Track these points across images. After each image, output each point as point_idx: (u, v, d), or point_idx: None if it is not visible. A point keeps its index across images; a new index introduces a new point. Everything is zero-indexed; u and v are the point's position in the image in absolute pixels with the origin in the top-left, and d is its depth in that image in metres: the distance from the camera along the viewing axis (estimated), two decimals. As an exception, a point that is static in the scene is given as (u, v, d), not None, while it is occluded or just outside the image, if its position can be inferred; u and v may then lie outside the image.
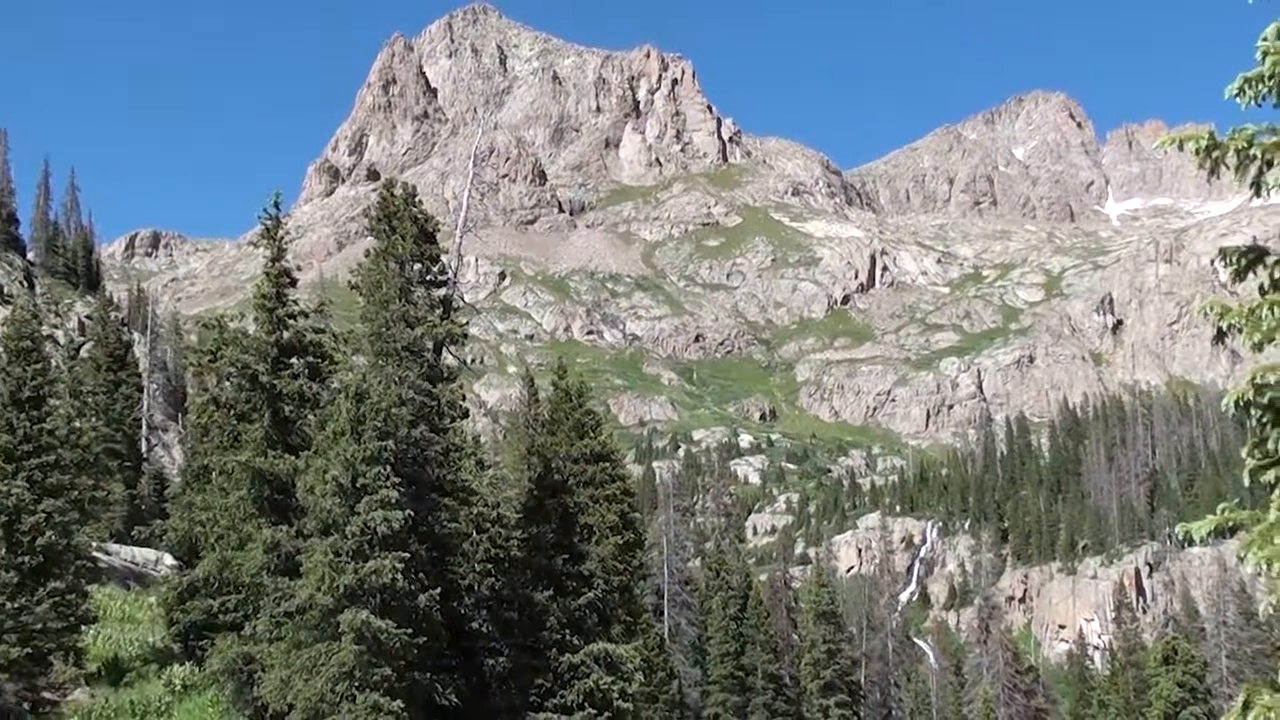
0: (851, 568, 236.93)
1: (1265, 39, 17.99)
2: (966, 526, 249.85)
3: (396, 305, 44.69)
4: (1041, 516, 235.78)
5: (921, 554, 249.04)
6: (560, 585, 50.36)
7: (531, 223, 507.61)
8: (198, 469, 52.12)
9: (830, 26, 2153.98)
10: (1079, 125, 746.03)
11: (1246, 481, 17.96)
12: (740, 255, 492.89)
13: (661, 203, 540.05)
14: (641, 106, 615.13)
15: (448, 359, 47.94)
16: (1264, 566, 16.13)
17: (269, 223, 48.87)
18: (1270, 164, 17.71)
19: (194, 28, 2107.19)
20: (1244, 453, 17.96)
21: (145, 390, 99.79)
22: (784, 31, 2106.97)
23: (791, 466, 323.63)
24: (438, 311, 47.08)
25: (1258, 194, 18.06)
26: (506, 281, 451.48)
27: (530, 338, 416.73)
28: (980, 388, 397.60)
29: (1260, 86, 17.77)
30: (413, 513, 39.72)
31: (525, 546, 50.34)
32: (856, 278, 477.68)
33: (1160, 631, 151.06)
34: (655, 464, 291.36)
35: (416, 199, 48.05)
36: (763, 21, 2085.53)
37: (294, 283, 50.21)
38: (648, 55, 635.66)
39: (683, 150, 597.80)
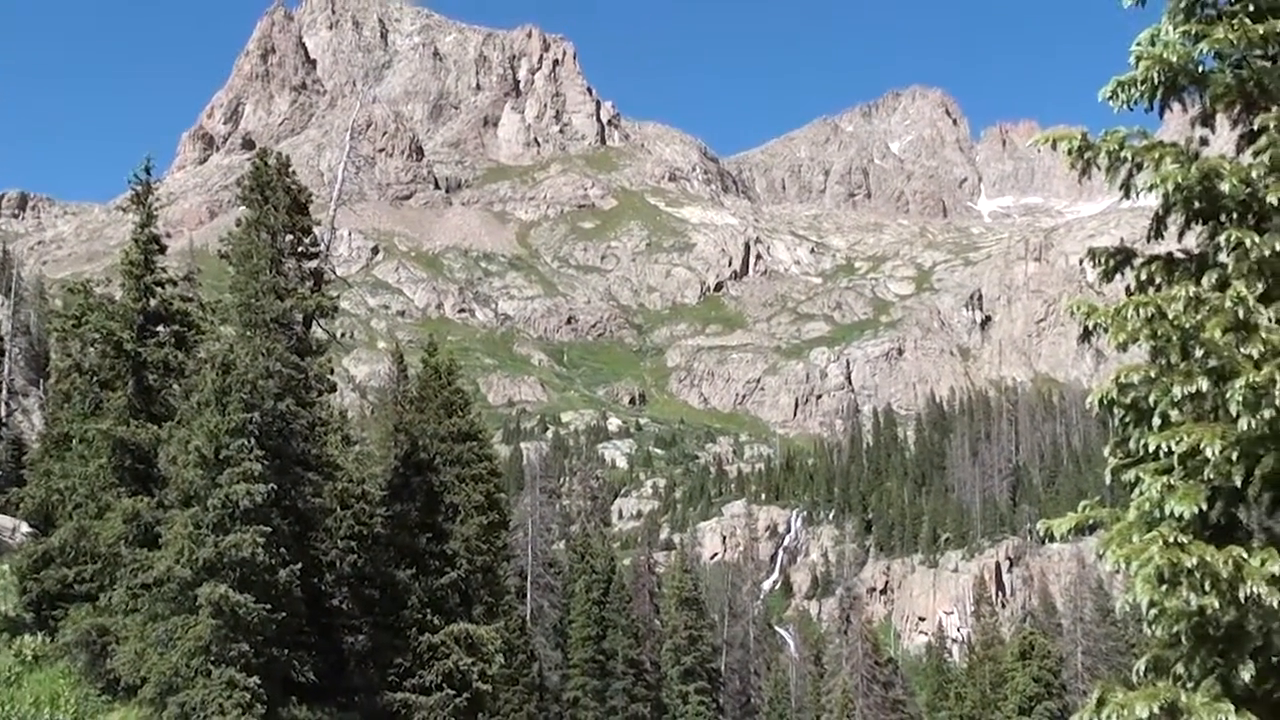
0: (716, 555, 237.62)
1: (1139, 44, 18.21)
2: (831, 517, 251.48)
3: (267, 276, 44.22)
4: (905, 509, 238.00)
5: (785, 543, 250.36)
6: (423, 564, 50.18)
7: (407, 198, 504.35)
8: (58, 436, 51.17)
9: (714, 15, 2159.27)
10: (955, 122, 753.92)
11: (1108, 480, 18.17)
12: (615, 239, 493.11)
13: (538, 183, 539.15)
14: (522, 86, 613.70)
15: (317, 332, 47.54)
16: (1121, 565, 16.34)
17: (139, 188, 48.28)
18: (1140, 167, 17.92)
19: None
20: (1106, 451, 18.17)
21: (6, 354, 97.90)
22: (667, 18, 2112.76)
23: (659, 452, 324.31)
24: (308, 284, 46.69)
25: (1127, 196, 18.30)
26: (380, 256, 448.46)
27: (401, 314, 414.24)
28: (849, 379, 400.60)
29: (1133, 90, 17.97)
30: (276, 486, 39.37)
31: (389, 524, 50.11)
32: (730, 265, 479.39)
33: (1018, 626, 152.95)
34: (523, 445, 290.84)
35: (291, 170, 47.59)
36: (646, 6, 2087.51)
37: (163, 250, 49.60)
38: (530, 35, 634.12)
39: (561, 131, 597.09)
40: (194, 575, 37.50)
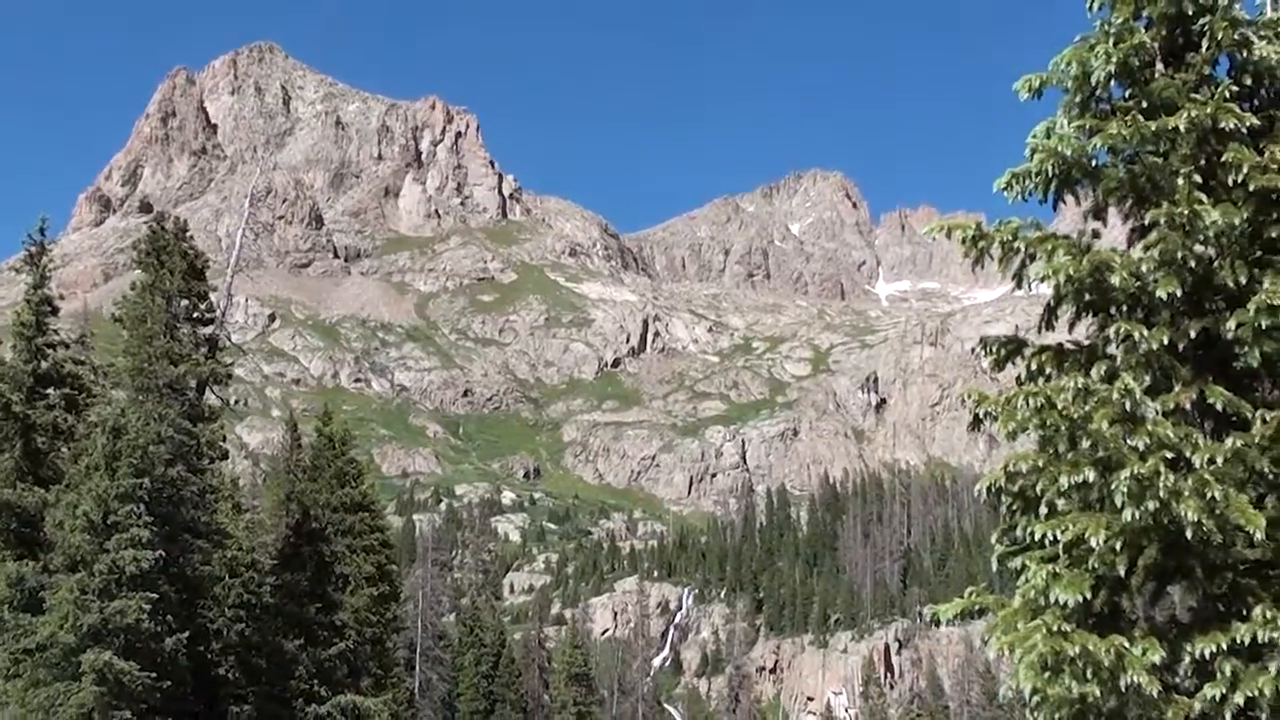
0: (607, 631, 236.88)
1: (1035, 136, 18.52)
2: (723, 595, 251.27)
3: (161, 341, 43.91)
4: (797, 589, 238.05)
5: (677, 620, 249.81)
6: (311, 634, 49.78)
7: (305, 266, 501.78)
8: (-59, 497, 50.34)
9: (619, 93, 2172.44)
10: (854, 205, 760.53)
11: (994, 566, 18.37)
12: (514, 312, 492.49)
13: (438, 255, 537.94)
14: (424, 157, 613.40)
15: (210, 398, 47.23)
16: (1006, 651, 16.51)
17: (33, 248, 47.82)
18: (1033, 258, 18.16)
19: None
20: (993, 538, 18.36)
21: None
22: (571, 94, 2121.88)
23: (553, 526, 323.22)
24: (203, 350, 46.42)
25: (1019, 286, 18.55)
26: (276, 324, 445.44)
27: (297, 382, 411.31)
28: (744, 458, 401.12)
29: (1027, 182, 18.24)
30: (164, 553, 38.97)
31: (278, 593, 49.68)
32: (628, 341, 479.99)
33: (906, 708, 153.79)
34: (416, 517, 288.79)
35: (188, 234, 47.39)
36: (551, 83, 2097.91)
37: (55, 311, 49.12)
38: (433, 106, 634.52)
39: (462, 204, 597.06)
40: (78, 641, 36.98)
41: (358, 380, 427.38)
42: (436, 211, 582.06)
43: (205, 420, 45.20)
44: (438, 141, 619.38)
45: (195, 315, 46.60)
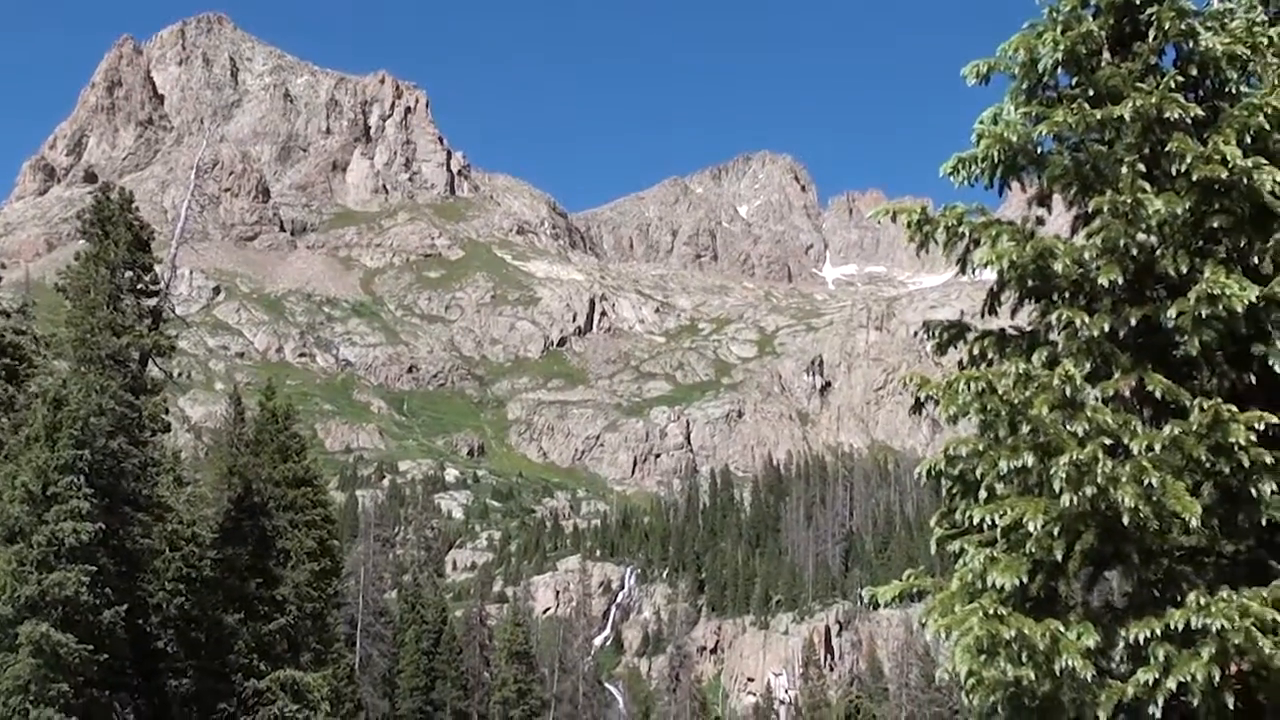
0: (549, 609, 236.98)
1: (981, 122, 18.58)
2: (665, 575, 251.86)
3: (104, 312, 43.65)
4: (739, 570, 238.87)
5: (619, 600, 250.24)
6: (251, 609, 49.62)
7: (251, 239, 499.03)
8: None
9: (570, 70, 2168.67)
10: (803, 188, 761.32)
11: (933, 549, 18.46)
12: (460, 289, 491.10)
13: (385, 230, 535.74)
14: (372, 132, 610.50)
15: (153, 371, 46.98)
16: (943, 634, 16.61)
17: (-25, 217, 47.40)
18: (978, 243, 18.23)
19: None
20: (932, 521, 18.46)
21: None
22: (522, 71, 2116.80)
23: (496, 504, 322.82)
24: (146, 321, 46.16)
25: (963, 271, 18.60)
26: (221, 297, 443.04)
27: (241, 355, 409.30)
28: (688, 439, 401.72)
29: (973, 167, 18.33)
30: (104, 525, 38.78)
31: (219, 567, 49.52)
32: (574, 320, 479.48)
33: (845, 689, 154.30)
34: (359, 492, 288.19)
35: (133, 205, 47.09)
36: (502, 59, 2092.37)
37: (-2, 280, 48.77)
38: (382, 81, 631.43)
39: (410, 179, 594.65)
40: (15, 613, 36.78)
41: (302, 355, 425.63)
42: (384, 187, 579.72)
43: (148, 393, 44.96)
44: (387, 116, 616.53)
45: (139, 287, 46.34)
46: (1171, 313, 16.64)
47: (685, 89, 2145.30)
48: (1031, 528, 16.00)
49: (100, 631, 38.11)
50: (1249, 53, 17.88)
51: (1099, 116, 17.54)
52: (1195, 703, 15.54)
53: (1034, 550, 16.20)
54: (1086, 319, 16.97)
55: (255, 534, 51.15)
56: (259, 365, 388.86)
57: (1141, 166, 17.21)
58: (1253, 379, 16.98)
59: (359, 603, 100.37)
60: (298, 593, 52.25)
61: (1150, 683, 15.62)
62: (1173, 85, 17.47)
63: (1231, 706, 15.46)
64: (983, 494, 16.89)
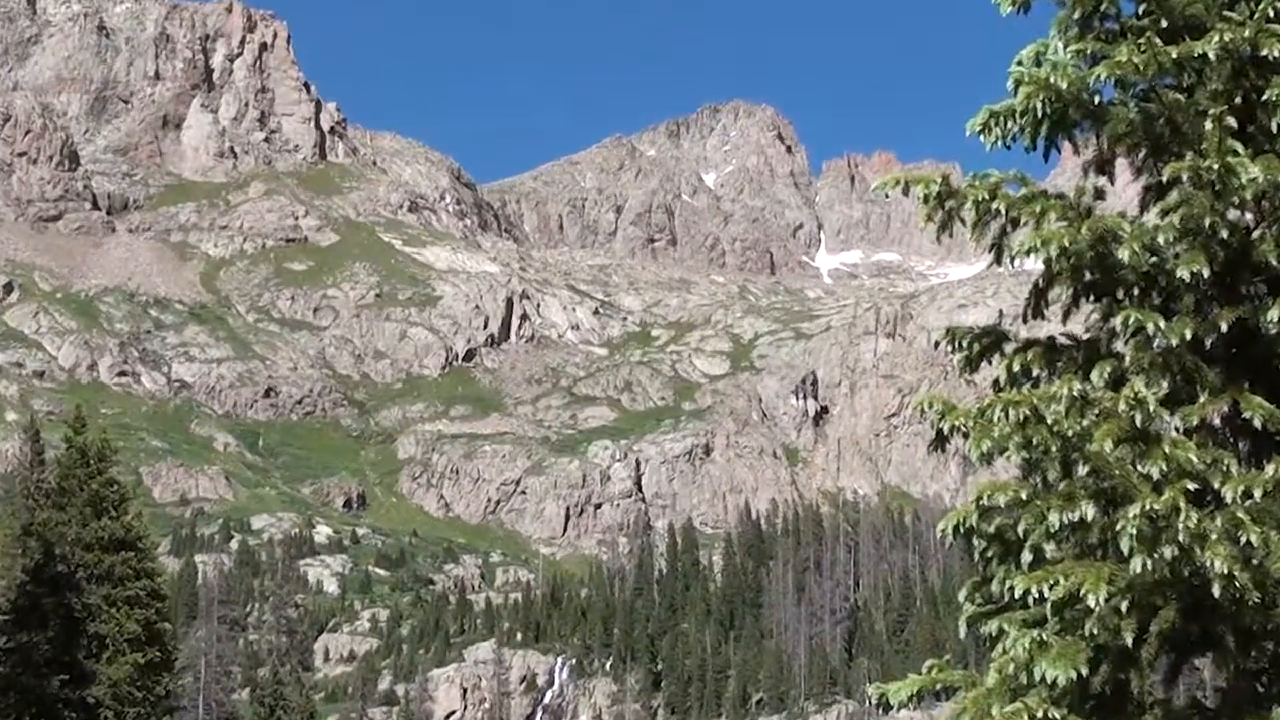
0: (453, 713, 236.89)
1: (1020, 63, 18.23)
2: (609, 666, 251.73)
3: None
4: (707, 659, 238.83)
5: (546, 700, 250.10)
6: (54, 715, 49.39)
7: (55, 220, 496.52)
8: None
9: (479, 5, 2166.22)
10: (789, 150, 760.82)
11: (963, 631, 18.26)
12: (334, 285, 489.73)
13: (234, 207, 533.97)
14: (216, 77, 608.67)
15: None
16: (978, 746, 16.54)
17: None
18: (1016, 223, 17.78)
19: None
20: (962, 595, 18.23)
21: None
22: (419, 4, 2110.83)
23: (382, 573, 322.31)
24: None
25: (999, 261, 18.21)
26: (14, 296, 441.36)
27: (41, 375, 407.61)
28: (639, 484, 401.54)
29: (1010, 124, 17.78)
30: None
31: (10, 659, 49.31)
32: (486, 327, 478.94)
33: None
34: (199, 558, 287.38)
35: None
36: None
37: None
38: (229, 9, 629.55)
39: (267, 140, 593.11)
40: None
41: (123, 374, 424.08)
42: (232, 149, 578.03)
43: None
44: (235, 56, 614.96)
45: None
46: (1274, 315, 16.51)
47: (632, 21, 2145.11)
48: (1092, 602, 15.93)
49: None
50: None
51: (1175, 55, 17.37)
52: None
53: (1096, 632, 16.14)
54: (1162, 323, 16.82)
55: (59, 615, 50.95)
56: (65, 388, 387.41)
57: (1232, 121, 16.97)
58: (1382, 403, 16.94)
59: (199, 706, 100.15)
60: (116, 693, 52.08)
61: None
62: (1270, 14, 17.32)
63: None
64: (1027, 557, 16.79)
